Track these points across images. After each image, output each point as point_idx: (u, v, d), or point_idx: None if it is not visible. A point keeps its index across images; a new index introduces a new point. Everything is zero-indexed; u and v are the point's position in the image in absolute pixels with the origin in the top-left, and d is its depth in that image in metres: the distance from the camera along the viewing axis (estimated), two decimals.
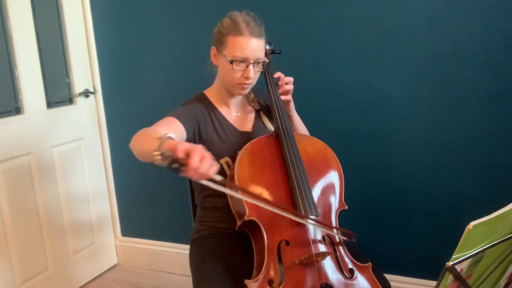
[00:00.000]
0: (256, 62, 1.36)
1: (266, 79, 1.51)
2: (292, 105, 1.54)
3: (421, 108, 1.85)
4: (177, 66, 2.29)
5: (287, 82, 1.49)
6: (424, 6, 1.76)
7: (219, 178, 1.03)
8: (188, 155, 0.95)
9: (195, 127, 1.38)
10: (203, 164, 0.95)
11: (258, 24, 1.36)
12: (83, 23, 2.39)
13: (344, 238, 1.30)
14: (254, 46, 1.33)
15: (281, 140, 1.38)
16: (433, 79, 1.80)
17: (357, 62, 1.91)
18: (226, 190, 1.11)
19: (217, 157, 1.41)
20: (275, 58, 1.61)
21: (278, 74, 1.50)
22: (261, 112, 1.57)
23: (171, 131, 1.21)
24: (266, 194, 1.28)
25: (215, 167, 0.98)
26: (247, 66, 1.34)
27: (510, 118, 1.73)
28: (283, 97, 1.48)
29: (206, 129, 1.42)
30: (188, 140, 1.35)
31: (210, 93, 1.50)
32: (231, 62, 1.33)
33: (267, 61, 1.42)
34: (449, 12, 1.74)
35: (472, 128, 1.79)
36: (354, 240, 1.28)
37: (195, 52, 2.20)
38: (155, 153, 0.99)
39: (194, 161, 0.94)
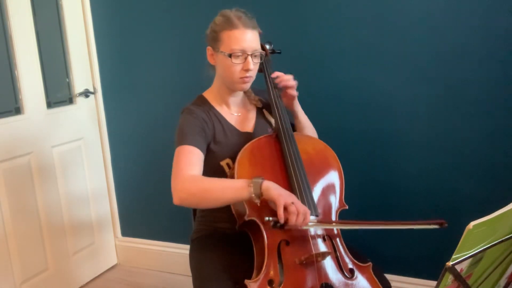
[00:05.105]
0: (254, 54, 1.37)
1: (266, 78, 1.50)
2: (297, 101, 1.51)
3: (421, 108, 1.84)
4: (177, 66, 2.29)
5: (288, 79, 1.45)
6: (424, 5, 1.76)
7: (313, 219, 1.24)
8: (285, 209, 1.15)
9: (206, 141, 1.40)
10: (299, 220, 1.16)
11: (250, 17, 1.38)
12: (83, 23, 2.39)
13: (436, 226, 1.20)
14: (250, 37, 1.35)
15: (281, 140, 1.38)
16: (433, 79, 1.80)
17: (357, 62, 1.91)
18: (321, 226, 1.29)
19: (218, 159, 1.42)
20: (275, 58, 1.61)
21: (276, 74, 1.46)
22: (263, 110, 1.56)
23: (200, 166, 1.33)
24: None
25: (308, 217, 1.18)
26: (246, 58, 1.35)
27: (510, 118, 1.73)
28: (289, 91, 1.45)
29: (211, 134, 1.42)
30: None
31: (209, 94, 1.50)
32: (230, 55, 1.34)
33: (264, 52, 1.44)
34: (449, 12, 1.74)
35: (472, 128, 1.78)
36: (446, 225, 1.18)
37: (195, 52, 2.17)
38: (255, 199, 1.19)
39: (292, 220, 1.15)
